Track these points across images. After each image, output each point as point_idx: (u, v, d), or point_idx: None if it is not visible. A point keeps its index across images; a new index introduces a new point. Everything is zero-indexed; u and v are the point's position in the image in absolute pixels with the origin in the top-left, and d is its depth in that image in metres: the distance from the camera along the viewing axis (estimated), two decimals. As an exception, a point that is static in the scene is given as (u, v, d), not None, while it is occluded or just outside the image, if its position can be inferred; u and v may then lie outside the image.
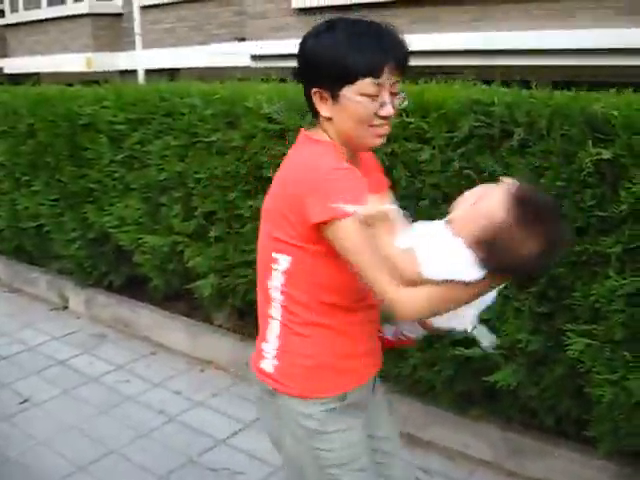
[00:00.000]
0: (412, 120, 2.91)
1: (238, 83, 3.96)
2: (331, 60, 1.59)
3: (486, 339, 1.73)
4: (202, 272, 3.96)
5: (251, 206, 3.58)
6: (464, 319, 1.62)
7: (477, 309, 1.61)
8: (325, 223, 1.52)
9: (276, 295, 1.70)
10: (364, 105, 1.58)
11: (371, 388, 1.88)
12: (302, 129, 1.76)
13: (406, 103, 1.68)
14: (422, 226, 1.54)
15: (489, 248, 1.41)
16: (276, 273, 1.68)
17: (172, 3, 9.53)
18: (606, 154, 2.48)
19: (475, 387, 3.02)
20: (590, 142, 2.52)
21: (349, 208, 1.48)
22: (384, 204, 1.49)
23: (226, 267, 3.85)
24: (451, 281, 1.43)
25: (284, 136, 3.41)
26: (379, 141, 1.66)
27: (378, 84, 1.57)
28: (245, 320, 4.20)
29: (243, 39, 7.78)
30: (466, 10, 5.65)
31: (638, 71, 4.76)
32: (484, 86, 2.99)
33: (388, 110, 1.59)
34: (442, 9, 5.54)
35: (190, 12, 9.31)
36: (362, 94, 1.57)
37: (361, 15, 1.67)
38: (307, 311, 1.68)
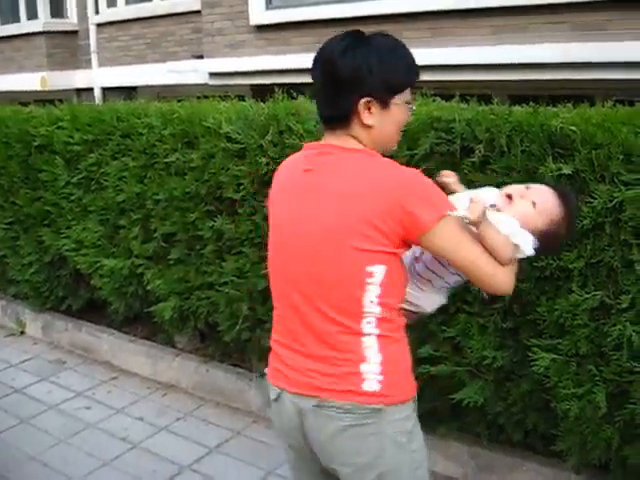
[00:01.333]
0: (373, 138, 2.89)
1: (197, 102, 3.91)
2: (384, 71, 1.67)
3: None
4: (162, 295, 3.90)
5: (212, 227, 3.54)
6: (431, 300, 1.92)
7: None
8: (432, 225, 1.61)
9: (373, 309, 1.66)
10: (406, 111, 1.75)
11: None
12: (318, 143, 1.78)
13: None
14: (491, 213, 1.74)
15: (547, 237, 1.79)
16: (372, 287, 1.64)
17: (128, 20, 9.42)
18: (566, 169, 2.49)
19: (441, 405, 3.00)
20: (550, 158, 2.54)
21: (452, 207, 1.64)
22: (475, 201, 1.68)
23: (187, 289, 3.79)
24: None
25: (244, 156, 3.38)
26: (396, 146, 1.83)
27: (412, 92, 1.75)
28: (207, 342, 4.15)
29: (201, 56, 7.71)
30: (424, 26, 5.70)
31: (592, 84, 4.84)
32: (443, 102, 2.99)
33: (409, 115, 1.79)
34: (403, 25, 5.57)
35: (146, 30, 9.21)
36: (406, 101, 1.74)
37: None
38: (397, 315, 1.73)
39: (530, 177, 2.59)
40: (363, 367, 1.66)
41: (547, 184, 1.91)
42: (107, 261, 4.12)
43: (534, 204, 1.79)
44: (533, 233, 1.75)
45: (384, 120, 1.70)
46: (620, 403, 2.53)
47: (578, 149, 2.49)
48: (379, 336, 1.67)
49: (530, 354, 2.65)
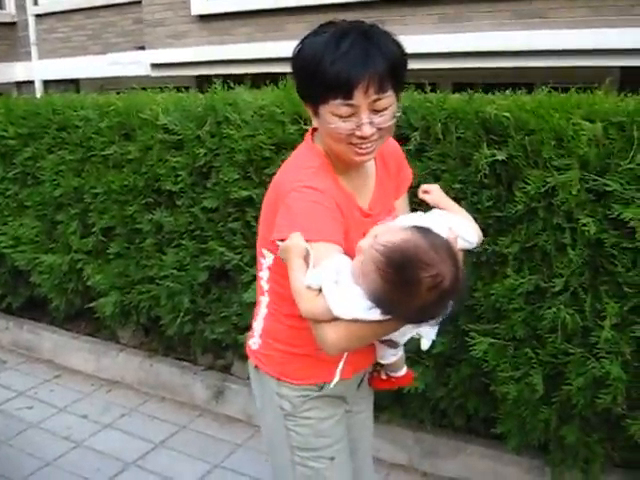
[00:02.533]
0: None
1: (134, 94, 3.85)
2: (303, 79, 1.56)
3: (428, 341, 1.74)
4: (103, 290, 3.84)
5: (151, 220, 3.51)
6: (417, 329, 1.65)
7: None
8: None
9: (264, 285, 1.77)
10: (337, 125, 1.50)
11: (356, 385, 1.90)
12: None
13: (392, 122, 1.55)
14: (332, 262, 1.45)
15: (379, 304, 1.38)
16: (264, 267, 1.74)
17: (68, 11, 9.23)
18: (500, 155, 2.52)
19: (384, 392, 3.00)
20: (485, 144, 2.56)
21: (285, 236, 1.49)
22: (301, 240, 1.45)
23: (127, 284, 3.75)
24: (357, 320, 1.40)
25: (181, 147, 3.34)
26: (361, 159, 1.57)
27: (351, 105, 1.48)
28: (151, 337, 4.10)
29: (142, 47, 7.60)
30: (372, 15, 5.70)
31: (533, 72, 4.90)
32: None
33: (364, 131, 1.50)
34: (341, 14, 5.50)
35: (87, 20, 9.04)
36: (335, 114, 1.50)
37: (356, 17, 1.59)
38: (289, 305, 1.63)
39: (465, 164, 2.62)
40: (255, 324, 1.84)
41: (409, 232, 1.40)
42: (46, 257, 4.05)
43: (361, 262, 1.41)
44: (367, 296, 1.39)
45: (320, 127, 1.59)
46: (556, 385, 2.58)
47: (512, 135, 2.52)
48: (268, 309, 1.78)
49: (468, 339, 2.68)
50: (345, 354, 1.69)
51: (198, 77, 6.99)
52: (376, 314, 1.39)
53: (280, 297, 1.71)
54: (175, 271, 3.48)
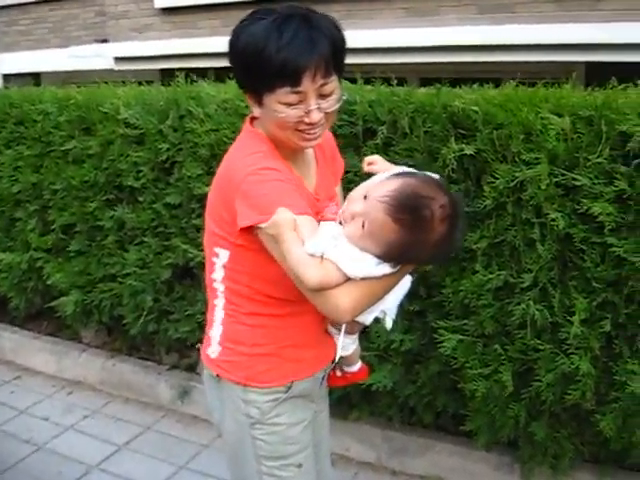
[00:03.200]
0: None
1: (94, 87, 3.77)
2: (245, 69, 1.52)
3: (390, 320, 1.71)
4: (64, 289, 3.77)
5: (112, 217, 3.45)
6: (384, 305, 1.62)
7: (396, 296, 1.63)
8: (251, 227, 1.49)
9: (219, 286, 1.69)
10: (286, 114, 1.49)
11: (319, 381, 1.84)
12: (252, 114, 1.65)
13: (337, 106, 1.55)
14: (325, 228, 1.50)
15: (394, 258, 1.44)
16: (217, 267, 1.67)
17: (28, 3, 9.03)
18: (468, 149, 2.49)
19: (352, 390, 2.98)
20: (453, 138, 2.53)
21: (263, 217, 1.44)
22: (290, 213, 1.43)
23: (89, 282, 3.69)
24: (367, 278, 1.44)
25: (143, 141, 3.28)
26: (308, 144, 1.58)
27: (299, 92, 1.47)
28: (114, 336, 4.03)
29: (105, 41, 7.46)
30: (332, 9, 5.66)
31: (499, 67, 4.90)
32: (348, 83, 2.95)
33: (313, 117, 1.50)
34: (316, 7, 5.44)
35: (48, 13, 8.85)
36: (282, 103, 1.48)
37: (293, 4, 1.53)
38: (250, 302, 1.65)
39: (433, 158, 2.59)
40: (211, 332, 1.76)
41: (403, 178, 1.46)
42: (4, 255, 3.98)
43: (363, 224, 1.43)
44: (377, 255, 1.43)
45: (264, 116, 1.56)
46: (526, 381, 2.56)
47: (480, 129, 2.49)
48: (225, 312, 1.70)
49: (437, 336, 2.66)
50: (344, 326, 1.68)
51: (162, 71, 6.88)
52: (385, 268, 1.44)
53: (238, 295, 1.66)
54: (138, 269, 3.42)
